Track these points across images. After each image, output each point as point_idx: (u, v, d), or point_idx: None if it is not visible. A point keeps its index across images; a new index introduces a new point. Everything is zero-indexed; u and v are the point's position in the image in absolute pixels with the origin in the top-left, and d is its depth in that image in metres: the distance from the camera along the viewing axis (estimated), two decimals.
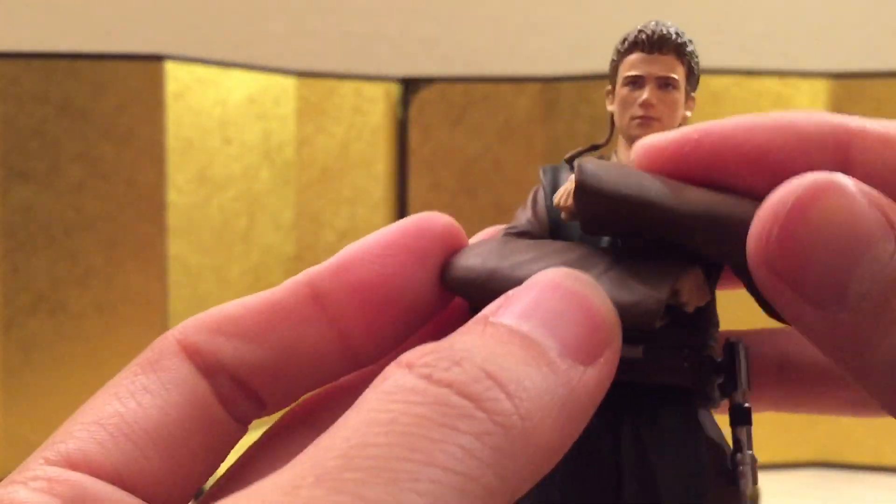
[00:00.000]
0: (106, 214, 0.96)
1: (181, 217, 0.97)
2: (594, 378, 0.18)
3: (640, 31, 0.27)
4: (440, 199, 1.09)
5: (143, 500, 0.20)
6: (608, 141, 0.28)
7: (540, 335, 0.18)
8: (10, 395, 0.96)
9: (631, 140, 0.26)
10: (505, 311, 0.18)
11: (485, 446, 0.16)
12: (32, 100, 0.95)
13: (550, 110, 1.07)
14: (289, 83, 1.07)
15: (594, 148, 0.27)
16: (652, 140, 0.21)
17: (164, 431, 0.21)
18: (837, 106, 1.00)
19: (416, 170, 1.10)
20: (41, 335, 0.96)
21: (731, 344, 0.22)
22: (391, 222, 0.23)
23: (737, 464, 0.22)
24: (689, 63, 0.27)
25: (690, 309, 0.21)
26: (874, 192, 0.19)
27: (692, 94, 0.27)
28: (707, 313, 0.22)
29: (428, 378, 0.16)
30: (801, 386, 0.25)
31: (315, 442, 0.16)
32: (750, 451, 0.22)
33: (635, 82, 0.27)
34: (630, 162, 0.22)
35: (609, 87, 0.28)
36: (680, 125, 0.26)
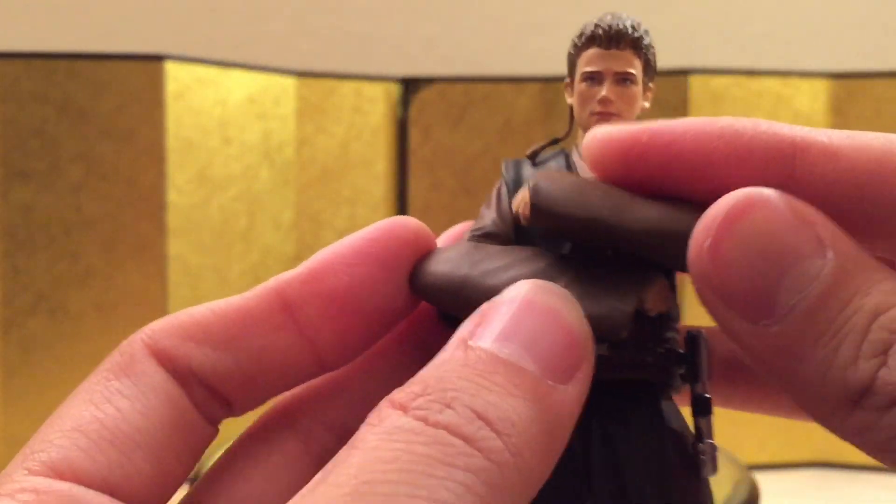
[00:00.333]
0: (106, 214, 0.96)
1: (181, 217, 0.97)
2: (574, 395, 0.19)
3: (596, 26, 0.27)
4: (440, 199, 1.09)
5: None
6: (568, 134, 0.28)
7: (521, 359, 0.18)
8: (10, 395, 0.96)
9: None
10: (483, 332, 0.19)
11: (482, 483, 0.17)
12: (32, 100, 0.95)
13: (550, 110, 1.07)
14: (289, 83, 1.07)
15: (555, 142, 0.28)
16: (602, 134, 0.22)
17: (147, 436, 0.21)
18: (837, 106, 1.00)
19: (416, 170, 1.10)
20: (41, 335, 0.96)
21: (694, 336, 0.23)
22: None
23: (698, 452, 0.22)
24: (646, 56, 0.27)
25: (654, 314, 0.22)
26: (806, 208, 0.19)
27: (650, 84, 0.27)
28: (669, 310, 0.23)
29: (424, 420, 0.17)
30: (747, 386, 0.25)
31: (319, 479, 0.17)
32: (710, 440, 0.22)
33: (593, 78, 0.27)
34: (585, 158, 0.22)
35: (567, 81, 0.28)
36: (638, 118, 0.26)
